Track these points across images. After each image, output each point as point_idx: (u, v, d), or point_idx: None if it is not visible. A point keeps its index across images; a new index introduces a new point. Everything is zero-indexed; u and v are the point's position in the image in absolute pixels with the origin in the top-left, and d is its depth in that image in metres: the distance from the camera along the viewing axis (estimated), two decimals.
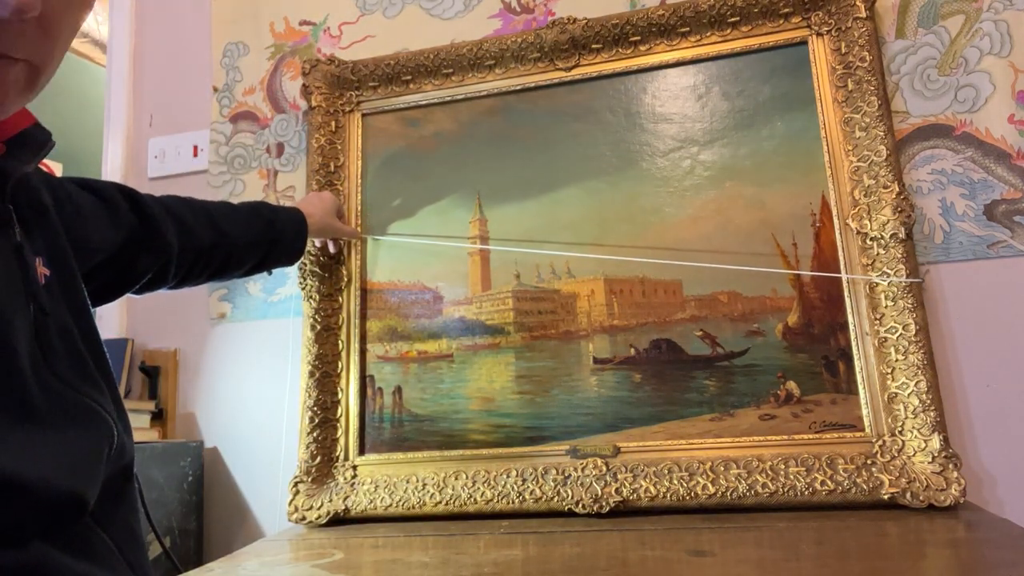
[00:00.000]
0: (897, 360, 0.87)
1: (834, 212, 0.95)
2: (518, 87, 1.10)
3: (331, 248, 1.09)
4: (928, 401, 0.85)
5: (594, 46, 1.06)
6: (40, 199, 0.59)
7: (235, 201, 0.95)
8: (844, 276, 0.92)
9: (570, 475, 0.93)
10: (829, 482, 0.85)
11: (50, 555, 0.46)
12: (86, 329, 0.57)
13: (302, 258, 1.09)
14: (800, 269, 0.95)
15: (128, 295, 0.81)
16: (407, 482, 0.99)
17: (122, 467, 0.56)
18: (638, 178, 1.03)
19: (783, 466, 0.87)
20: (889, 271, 0.90)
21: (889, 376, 0.88)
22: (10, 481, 0.43)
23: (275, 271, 1.21)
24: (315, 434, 1.03)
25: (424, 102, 1.14)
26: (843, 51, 0.97)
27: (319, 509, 0.99)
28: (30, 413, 0.47)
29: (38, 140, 0.54)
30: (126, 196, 0.76)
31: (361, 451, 1.04)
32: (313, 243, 1.09)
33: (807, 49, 1.00)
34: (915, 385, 0.86)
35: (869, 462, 0.85)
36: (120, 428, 0.55)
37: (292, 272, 1.19)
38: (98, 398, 0.54)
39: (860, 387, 0.90)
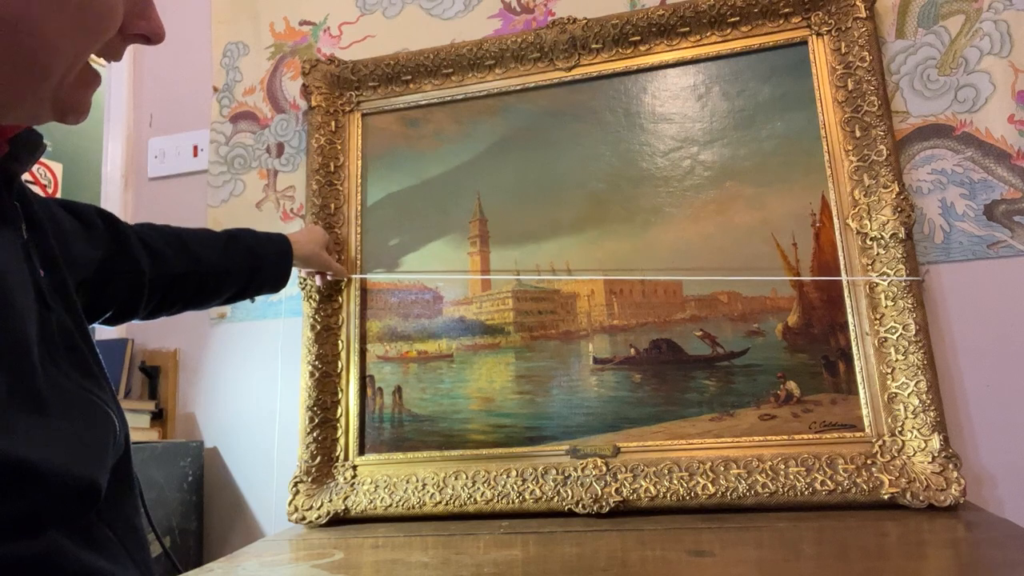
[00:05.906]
0: (897, 360, 0.87)
1: (834, 212, 0.95)
2: (518, 87, 1.10)
3: (318, 282, 1.08)
4: (928, 401, 0.85)
5: (594, 46, 1.06)
6: (32, 206, 0.60)
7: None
8: (844, 279, 0.92)
9: (570, 475, 0.93)
10: (829, 482, 0.85)
11: (63, 545, 0.46)
12: (81, 327, 0.58)
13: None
14: (800, 269, 0.95)
15: (101, 326, 0.78)
16: (407, 482, 0.98)
17: (122, 462, 0.56)
18: (638, 178, 1.03)
19: (783, 466, 0.87)
20: (889, 271, 0.90)
21: (889, 376, 0.88)
22: (27, 468, 0.43)
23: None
24: (315, 434, 1.03)
25: (424, 102, 1.14)
26: (843, 51, 0.97)
27: (319, 509, 0.99)
28: (41, 406, 0.47)
29: (33, 141, 0.55)
30: (103, 218, 0.75)
31: (361, 451, 1.04)
32: (311, 277, 1.07)
33: (807, 49, 1.00)
34: (915, 385, 0.86)
35: (869, 462, 0.85)
36: (120, 423, 0.56)
37: (292, 272, 1.19)
38: (99, 393, 0.55)
39: (860, 387, 0.90)
